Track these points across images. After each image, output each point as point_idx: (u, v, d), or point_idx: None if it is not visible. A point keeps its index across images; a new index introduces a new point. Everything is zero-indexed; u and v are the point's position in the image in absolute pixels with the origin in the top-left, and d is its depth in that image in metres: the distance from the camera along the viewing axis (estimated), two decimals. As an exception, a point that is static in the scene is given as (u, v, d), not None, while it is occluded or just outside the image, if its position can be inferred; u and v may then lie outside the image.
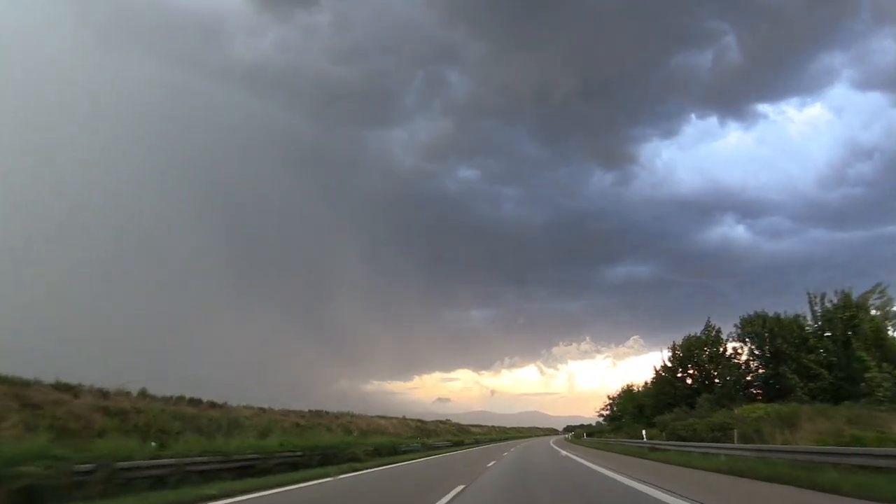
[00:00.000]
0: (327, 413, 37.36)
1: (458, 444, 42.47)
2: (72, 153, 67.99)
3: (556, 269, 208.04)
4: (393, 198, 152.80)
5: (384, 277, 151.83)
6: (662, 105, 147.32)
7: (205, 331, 79.54)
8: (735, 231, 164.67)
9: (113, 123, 76.71)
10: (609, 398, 57.77)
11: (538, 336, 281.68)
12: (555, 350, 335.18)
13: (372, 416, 46.99)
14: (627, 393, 49.17)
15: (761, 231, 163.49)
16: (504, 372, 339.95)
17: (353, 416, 40.29)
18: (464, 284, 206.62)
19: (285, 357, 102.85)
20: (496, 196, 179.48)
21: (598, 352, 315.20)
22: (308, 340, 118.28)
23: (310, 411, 35.56)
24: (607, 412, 58.83)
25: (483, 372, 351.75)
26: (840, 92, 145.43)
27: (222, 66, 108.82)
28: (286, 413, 31.52)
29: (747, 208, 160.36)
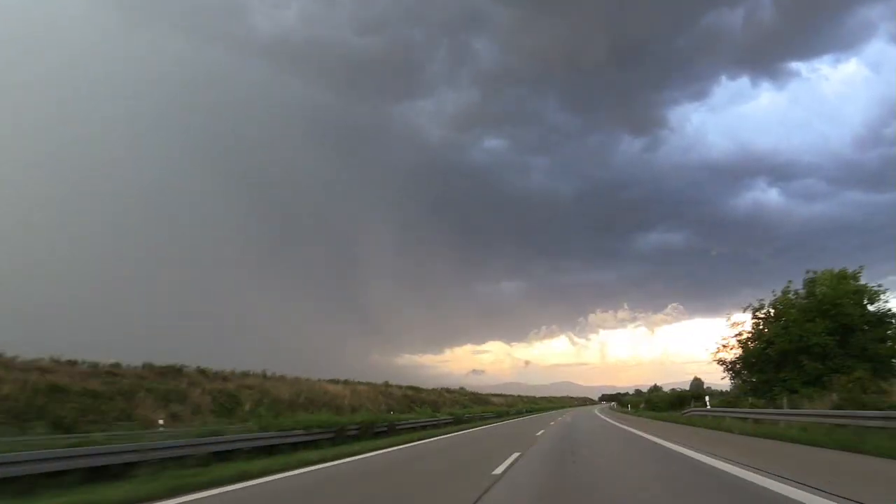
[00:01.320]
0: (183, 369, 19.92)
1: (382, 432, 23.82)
2: (96, 131, 66.39)
3: (587, 239, 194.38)
4: (422, 170, 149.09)
5: (414, 251, 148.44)
6: (692, 67, 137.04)
7: (230, 305, 76.41)
8: (768, 195, 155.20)
9: (136, 100, 75.87)
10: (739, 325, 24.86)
11: (570, 307, 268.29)
12: (588, 319, 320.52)
13: (315, 380, 29.54)
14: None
15: (795, 194, 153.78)
16: (536, 343, 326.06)
17: (247, 375, 22.73)
18: (495, 257, 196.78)
19: (314, 331, 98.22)
20: (526, 166, 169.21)
21: (633, 320, 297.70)
22: (337, 314, 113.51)
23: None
24: (733, 358, 24.84)
25: (514, 344, 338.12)
26: (878, 47, 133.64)
27: (246, 40, 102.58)
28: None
29: (780, 171, 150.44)
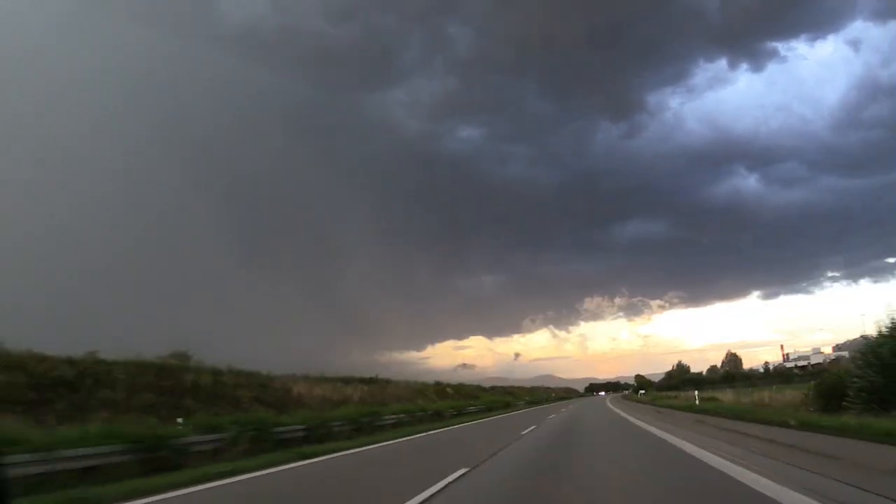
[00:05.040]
0: None
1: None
2: (59, 128, 62.81)
3: (568, 230, 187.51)
4: (399, 162, 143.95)
5: (392, 246, 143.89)
6: (670, 48, 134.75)
7: (204, 301, 73.93)
8: (747, 182, 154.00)
9: (98, 93, 71.57)
10: None
11: (551, 300, 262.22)
12: (569, 313, 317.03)
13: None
14: None
15: (775, 180, 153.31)
16: (517, 337, 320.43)
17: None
18: (475, 250, 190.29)
19: (293, 330, 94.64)
20: (504, 156, 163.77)
21: (613, 313, 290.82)
22: (318, 313, 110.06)
23: None
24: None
25: (496, 338, 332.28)
26: (858, 24, 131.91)
27: (214, 29, 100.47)
28: None
29: (760, 156, 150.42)
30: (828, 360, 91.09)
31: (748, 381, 47.13)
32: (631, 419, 22.12)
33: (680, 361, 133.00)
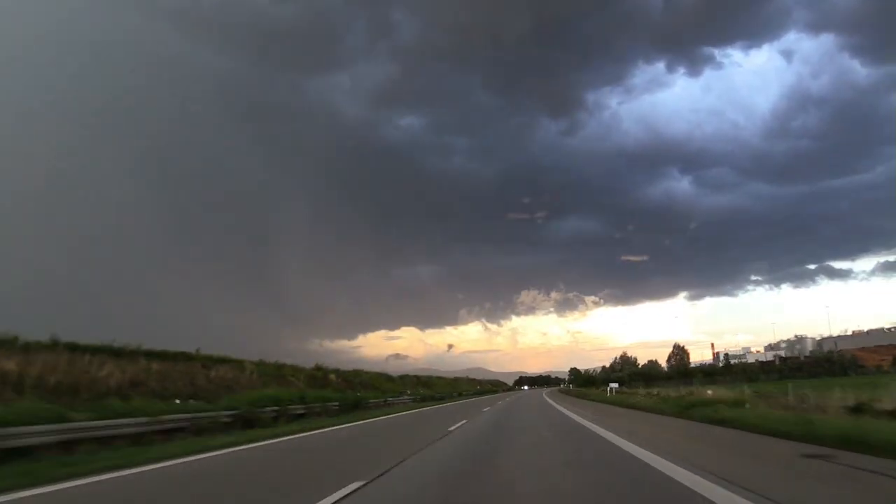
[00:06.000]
0: None
1: None
2: None
3: (507, 223, 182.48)
4: (337, 149, 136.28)
5: (328, 233, 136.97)
6: (612, 48, 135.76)
7: (136, 286, 72.36)
8: (680, 185, 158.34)
9: (27, 66, 68.17)
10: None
11: (487, 292, 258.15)
12: (502, 307, 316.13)
13: None
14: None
15: (705, 184, 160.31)
16: (449, 329, 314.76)
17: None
18: (412, 239, 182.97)
19: (223, 315, 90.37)
20: (446, 147, 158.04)
21: (544, 309, 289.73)
22: (250, 300, 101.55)
23: None
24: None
25: (428, 330, 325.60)
26: (791, 36, 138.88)
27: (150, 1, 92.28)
28: None
29: (693, 160, 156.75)
30: (777, 357, 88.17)
31: (710, 378, 39.40)
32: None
33: (625, 354, 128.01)
